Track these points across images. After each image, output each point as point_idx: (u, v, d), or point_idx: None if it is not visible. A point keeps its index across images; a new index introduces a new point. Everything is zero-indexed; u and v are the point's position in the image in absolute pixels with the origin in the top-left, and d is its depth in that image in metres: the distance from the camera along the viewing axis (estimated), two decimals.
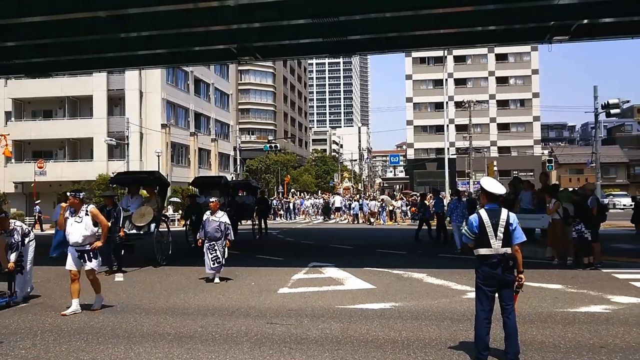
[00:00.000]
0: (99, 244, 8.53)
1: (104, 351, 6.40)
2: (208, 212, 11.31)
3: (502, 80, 74.97)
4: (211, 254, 11.02)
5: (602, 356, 6.00)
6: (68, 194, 8.85)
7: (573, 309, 8.36)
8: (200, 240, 11.26)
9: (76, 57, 18.64)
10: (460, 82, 75.01)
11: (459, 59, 74.53)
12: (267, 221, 25.47)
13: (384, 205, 35.92)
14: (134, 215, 13.87)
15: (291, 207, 43.11)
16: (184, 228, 19.22)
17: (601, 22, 15.35)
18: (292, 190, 60.09)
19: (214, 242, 10.99)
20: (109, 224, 11.95)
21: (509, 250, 5.69)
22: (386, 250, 17.27)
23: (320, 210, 43.00)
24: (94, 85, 45.94)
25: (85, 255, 8.46)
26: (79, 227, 8.43)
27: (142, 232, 13.92)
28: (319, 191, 68.93)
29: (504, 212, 5.76)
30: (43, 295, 10.10)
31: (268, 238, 23.15)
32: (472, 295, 8.44)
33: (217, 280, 11.16)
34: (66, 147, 48.25)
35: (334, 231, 28.15)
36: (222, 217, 11.14)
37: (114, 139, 42.73)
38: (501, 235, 5.68)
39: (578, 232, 12.60)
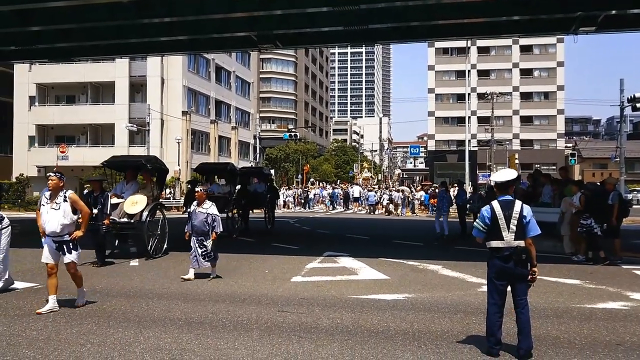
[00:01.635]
0: (79, 233, 7.67)
1: (114, 334, 6.42)
2: (195, 203, 10.29)
3: (526, 72, 73.93)
4: (200, 249, 9.99)
5: (619, 354, 5.84)
6: (50, 174, 7.78)
7: (590, 304, 8.19)
8: (187, 234, 10.22)
9: (99, 43, 18.76)
10: (483, 74, 74.12)
11: (483, 50, 73.62)
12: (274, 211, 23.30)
13: (404, 196, 35.77)
14: (125, 202, 12.93)
15: (310, 196, 43.05)
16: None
17: (629, 13, 14.99)
18: (312, 179, 60.08)
19: (202, 237, 9.99)
20: (92, 211, 11.04)
21: (522, 243, 5.53)
22: (403, 241, 17.16)
23: (338, 200, 42.95)
24: (116, 71, 46.31)
25: (65, 246, 7.61)
26: (57, 215, 7.51)
27: (132, 221, 12.79)
28: (338, 181, 68.86)
29: (518, 204, 5.60)
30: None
31: (277, 228, 22.74)
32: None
33: (213, 274, 10.20)
34: (88, 133, 48.79)
35: (351, 221, 28.07)
36: (209, 208, 10.08)
37: (135, 125, 43.08)
38: (514, 227, 5.53)
39: (587, 227, 12.38)
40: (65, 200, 7.57)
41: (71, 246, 7.65)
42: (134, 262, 12.33)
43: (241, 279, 10.20)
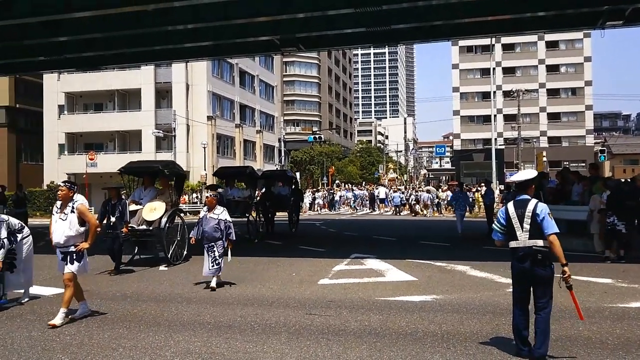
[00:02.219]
0: (85, 245, 7.39)
1: (145, 339, 6.52)
2: (205, 208, 9.98)
3: (552, 69, 72.83)
4: (210, 255, 9.60)
5: None
6: (60, 183, 7.72)
7: (623, 304, 8.04)
8: (193, 239, 9.92)
9: (124, 51, 19.03)
10: (508, 71, 73.29)
11: (508, 47, 72.79)
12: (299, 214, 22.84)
13: (431, 196, 35.56)
14: (144, 209, 12.72)
15: (336, 198, 42.99)
16: None
17: None
18: (337, 181, 60.07)
19: (213, 243, 9.60)
20: (111, 219, 11.53)
21: (538, 242, 5.38)
22: (429, 242, 17.05)
23: (362, 202, 42.86)
24: (142, 78, 46.91)
25: (69, 257, 7.37)
26: (63, 226, 7.34)
27: (151, 228, 12.56)
28: (363, 182, 68.71)
29: (532, 202, 5.48)
30: (89, 284, 10.37)
31: (303, 231, 22.75)
32: None
33: (213, 284, 9.56)
34: (116, 140, 49.48)
35: (377, 223, 27.99)
36: (221, 213, 9.73)
37: (161, 131, 43.55)
38: (527, 226, 5.42)
39: (610, 225, 12.19)
40: (72, 211, 7.34)
41: (74, 257, 7.37)
42: (163, 267, 12.46)
43: (269, 282, 10.25)
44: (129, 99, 49.68)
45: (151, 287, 9.99)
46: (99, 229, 10.00)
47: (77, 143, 50.76)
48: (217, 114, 50.48)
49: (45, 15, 14.52)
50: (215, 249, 9.58)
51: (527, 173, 5.72)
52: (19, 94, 50.10)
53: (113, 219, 11.59)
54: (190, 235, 10.04)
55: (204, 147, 44.20)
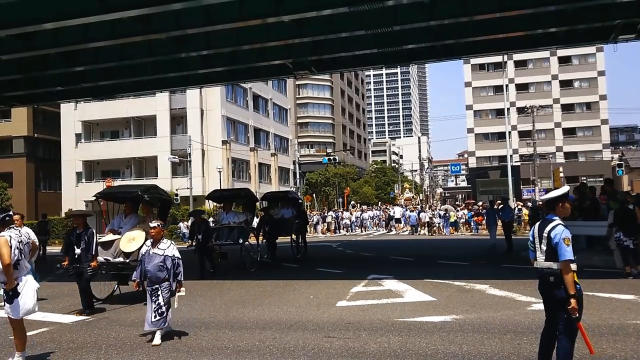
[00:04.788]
0: (9, 285, 6.34)
1: None
2: (148, 243, 8.15)
3: (566, 84, 72.53)
4: (154, 301, 7.71)
5: None
6: None
7: None
8: (136, 282, 8.14)
9: (139, 79, 19.33)
10: (522, 87, 73.12)
11: (520, 64, 72.73)
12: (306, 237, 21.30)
13: (447, 215, 35.34)
14: (122, 239, 11.29)
15: (353, 219, 42.78)
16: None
17: None
18: (352, 202, 59.96)
19: (157, 286, 7.76)
20: (75, 251, 9.92)
21: (554, 265, 5.17)
22: (447, 261, 16.90)
23: (380, 222, 42.68)
24: (157, 105, 47.51)
25: (4, 296, 6.47)
26: None
27: (128, 261, 10.99)
28: (379, 202, 68.49)
29: (551, 224, 5.25)
30: (108, 310, 10.41)
31: (320, 253, 22.58)
32: (537, 307, 8.14)
33: (157, 340, 7.56)
34: (132, 166, 50.02)
35: (394, 243, 27.84)
36: (167, 248, 7.85)
37: (177, 157, 43.95)
38: (544, 248, 5.26)
39: (617, 240, 12.05)
40: None
41: (5, 297, 6.43)
42: (181, 292, 12.42)
43: (286, 305, 10.21)
44: (144, 126, 50.32)
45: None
46: (64, 264, 9.99)
47: (94, 171, 51.39)
48: (231, 138, 50.86)
49: (63, 45, 14.81)
50: (160, 293, 7.74)
51: (556, 190, 5.49)
52: (37, 123, 51.06)
53: (78, 251, 10.05)
54: (133, 278, 8.19)
55: (219, 172, 44.47)
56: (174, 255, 7.83)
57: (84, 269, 9.99)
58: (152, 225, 8.04)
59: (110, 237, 11.51)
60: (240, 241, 15.90)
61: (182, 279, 7.93)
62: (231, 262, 16.41)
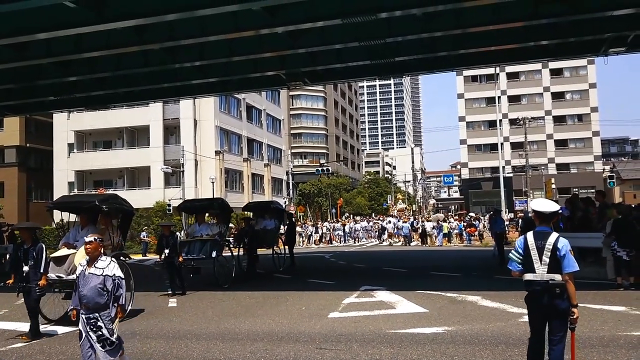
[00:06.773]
0: None
1: None
2: (83, 261, 6.41)
3: (558, 96, 73.11)
4: (94, 332, 5.96)
5: None
6: None
7: (638, 332, 7.91)
8: (74, 313, 6.21)
9: (133, 89, 19.32)
10: (514, 99, 73.60)
11: (512, 76, 73.25)
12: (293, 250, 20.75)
13: (440, 225, 35.43)
14: (77, 254, 9.95)
15: (347, 230, 42.73)
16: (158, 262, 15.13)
17: None
18: (346, 213, 59.96)
19: (97, 314, 6.00)
20: (23, 267, 8.95)
21: (557, 277, 5.18)
22: (440, 272, 16.90)
23: (373, 233, 42.67)
24: (150, 115, 47.45)
25: None
26: None
27: (64, 278, 9.97)
28: (372, 213, 68.52)
29: (553, 235, 5.28)
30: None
31: (312, 264, 22.35)
32: None
33: None
34: (125, 176, 49.83)
35: (386, 254, 27.82)
36: (107, 267, 6.19)
37: (170, 167, 43.86)
38: (547, 259, 5.22)
39: (612, 250, 12.14)
40: None
41: None
42: (172, 303, 12.41)
43: (278, 317, 10.17)
44: (137, 136, 50.19)
45: (160, 324, 9.93)
46: (9, 282, 9.06)
47: (87, 181, 51.16)
48: (225, 149, 50.84)
49: (57, 55, 14.79)
50: (101, 323, 5.99)
51: (551, 205, 5.47)
52: (30, 133, 50.86)
53: (26, 269, 9.01)
54: (72, 307, 6.36)
55: (213, 182, 44.40)
56: (114, 274, 6.13)
57: (32, 288, 8.96)
58: (87, 239, 6.32)
59: (64, 251, 10.34)
60: (213, 255, 14.83)
61: (124, 303, 6.38)
62: (204, 278, 15.13)
